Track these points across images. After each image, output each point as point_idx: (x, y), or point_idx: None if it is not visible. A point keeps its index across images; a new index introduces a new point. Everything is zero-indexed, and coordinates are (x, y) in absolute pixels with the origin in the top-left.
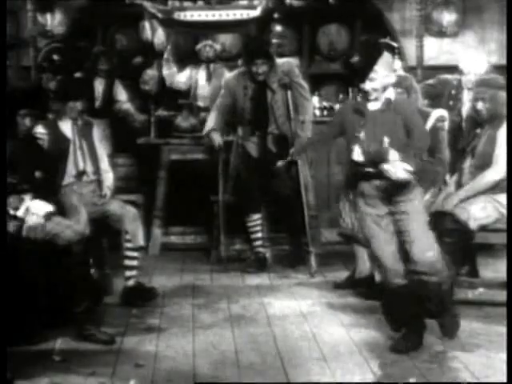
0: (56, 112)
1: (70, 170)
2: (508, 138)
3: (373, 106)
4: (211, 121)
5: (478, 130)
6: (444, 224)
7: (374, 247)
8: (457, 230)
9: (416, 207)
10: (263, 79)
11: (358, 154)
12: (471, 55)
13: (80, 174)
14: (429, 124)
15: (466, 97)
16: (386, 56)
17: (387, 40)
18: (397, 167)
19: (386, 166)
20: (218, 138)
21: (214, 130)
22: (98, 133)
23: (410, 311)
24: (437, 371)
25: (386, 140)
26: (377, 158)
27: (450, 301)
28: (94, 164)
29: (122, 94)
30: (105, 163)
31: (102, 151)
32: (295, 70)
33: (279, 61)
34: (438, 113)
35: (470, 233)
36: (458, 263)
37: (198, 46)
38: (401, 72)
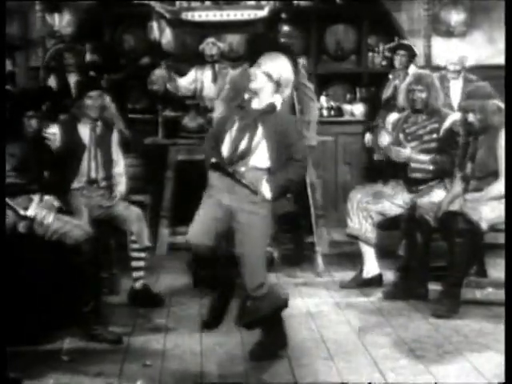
0: (74, 114)
1: (81, 176)
2: (508, 137)
3: (256, 104)
4: (218, 111)
5: (471, 138)
6: (456, 224)
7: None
8: (468, 230)
9: (254, 222)
10: None
11: (224, 150)
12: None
13: (91, 182)
14: (446, 125)
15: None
16: (283, 59)
17: (404, 41)
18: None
19: (240, 168)
20: None
21: None
22: (116, 136)
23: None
24: (445, 371)
25: (257, 142)
26: (238, 158)
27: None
28: (107, 171)
29: None
30: (120, 167)
31: (119, 155)
32: (301, 70)
33: None
34: (455, 116)
35: (480, 233)
36: (468, 263)
37: (202, 46)
38: (420, 70)
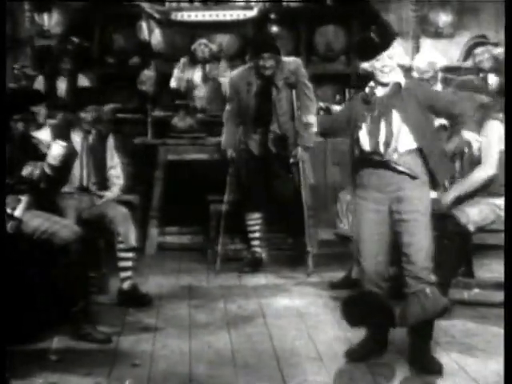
0: (68, 120)
1: (72, 183)
2: (507, 137)
3: (380, 92)
4: (226, 135)
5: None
6: (444, 226)
7: (357, 242)
8: (456, 232)
9: (417, 206)
10: (270, 74)
11: (365, 143)
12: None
13: (81, 189)
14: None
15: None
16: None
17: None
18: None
19: (392, 157)
20: (230, 153)
21: (228, 147)
22: (112, 142)
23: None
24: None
25: (397, 127)
26: (381, 148)
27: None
28: (99, 177)
29: None
30: (117, 170)
31: (116, 159)
32: (302, 69)
33: (286, 59)
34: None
35: (468, 235)
36: (456, 265)
37: (194, 46)
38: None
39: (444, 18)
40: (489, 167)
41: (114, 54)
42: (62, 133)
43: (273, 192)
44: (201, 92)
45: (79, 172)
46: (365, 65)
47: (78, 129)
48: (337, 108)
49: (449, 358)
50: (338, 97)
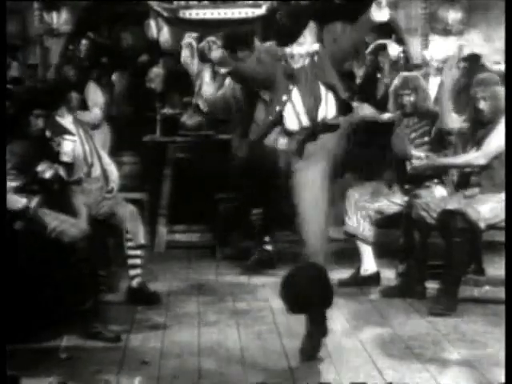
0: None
1: (80, 165)
2: (507, 137)
3: (298, 64)
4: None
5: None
6: (455, 223)
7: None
8: (467, 229)
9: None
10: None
11: (291, 122)
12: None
13: (89, 167)
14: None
15: (434, 83)
16: (312, 26)
17: (385, 41)
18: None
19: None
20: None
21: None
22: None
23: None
24: (443, 369)
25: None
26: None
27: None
28: (97, 157)
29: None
30: (105, 157)
31: (99, 146)
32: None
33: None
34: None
35: (479, 232)
36: (467, 262)
37: (202, 44)
38: (405, 73)
39: (453, 15)
40: (482, 156)
41: (123, 51)
42: (57, 127)
43: (281, 189)
44: (209, 90)
45: (82, 151)
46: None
47: (64, 113)
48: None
49: (459, 354)
50: (346, 94)
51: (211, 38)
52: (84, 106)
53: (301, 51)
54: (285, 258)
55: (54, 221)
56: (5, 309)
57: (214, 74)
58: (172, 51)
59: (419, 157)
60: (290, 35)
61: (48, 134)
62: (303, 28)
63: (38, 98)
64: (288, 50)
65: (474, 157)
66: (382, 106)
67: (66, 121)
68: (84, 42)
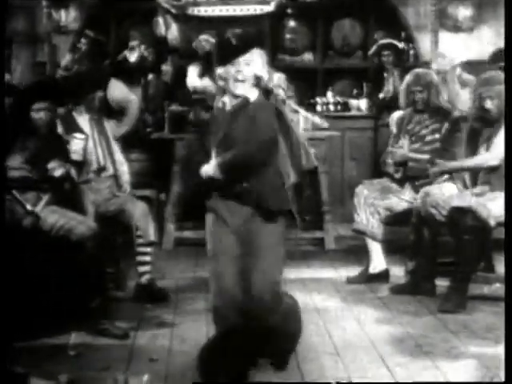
0: (72, 105)
1: (90, 166)
2: (507, 136)
3: (231, 102)
4: None
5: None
6: (464, 221)
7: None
8: (477, 227)
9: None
10: None
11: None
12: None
13: (100, 170)
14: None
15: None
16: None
17: (391, 40)
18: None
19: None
20: None
21: None
22: (108, 125)
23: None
24: (453, 367)
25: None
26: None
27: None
28: (111, 158)
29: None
30: (119, 155)
31: (115, 143)
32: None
33: None
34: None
35: (488, 230)
36: (476, 259)
37: (194, 43)
38: (417, 69)
39: (463, 12)
40: (492, 157)
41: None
42: (66, 119)
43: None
44: (213, 88)
45: (95, 150)
46: (220, 71)
47: (82, 111)
48: (354, 103)
49: (469, 352)
50: (355, 91)
51: (203, 36)
52: (107, 106)
53: (247, 71)
54: (293, 255)
55: (62, 218)
56: (13, 307)
57: (204, 71)
58: (180, 48)
59: (420, 160)
60: None
61: (60, 130)
62: None
63: (39, 91)
64: (233, 68)
65: (486, 159)
66: (392, 103)
67: (82, 119)
68: (83, 40)
